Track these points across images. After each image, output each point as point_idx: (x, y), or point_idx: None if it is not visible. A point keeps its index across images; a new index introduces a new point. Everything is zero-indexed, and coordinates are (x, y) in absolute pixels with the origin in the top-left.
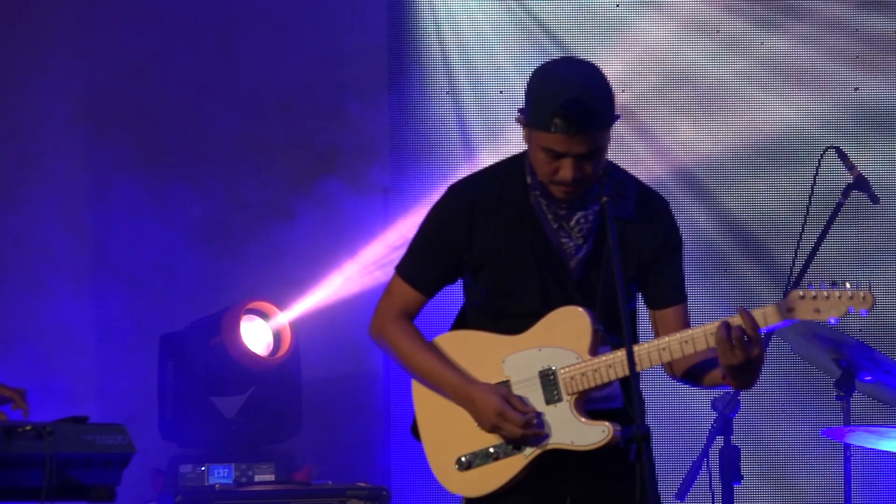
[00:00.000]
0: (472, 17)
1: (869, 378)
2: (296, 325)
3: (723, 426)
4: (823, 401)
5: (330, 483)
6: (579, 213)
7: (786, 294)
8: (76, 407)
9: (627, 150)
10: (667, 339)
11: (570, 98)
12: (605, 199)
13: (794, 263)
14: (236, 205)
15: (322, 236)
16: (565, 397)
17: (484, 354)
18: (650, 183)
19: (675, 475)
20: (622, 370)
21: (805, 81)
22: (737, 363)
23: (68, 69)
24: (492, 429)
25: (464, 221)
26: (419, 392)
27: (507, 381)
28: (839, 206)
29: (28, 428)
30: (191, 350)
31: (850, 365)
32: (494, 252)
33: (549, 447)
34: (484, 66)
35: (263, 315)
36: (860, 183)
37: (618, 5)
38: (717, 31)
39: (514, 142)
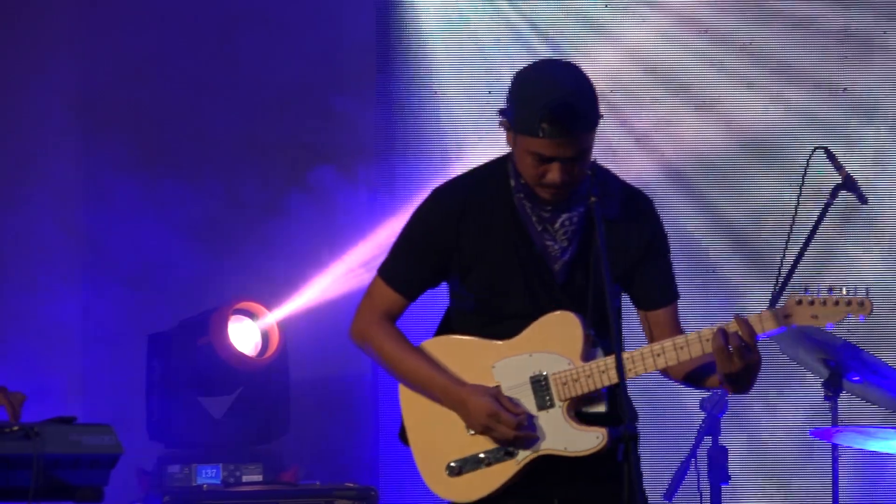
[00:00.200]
0: (461, 17)
1: (857, 378)
2: (284, 326)
3: (711, 426)
4: (811, 401)
5: (318, 483)
6: (564, 216)
7: (774, 295)
8: (66, 406)
9: (615, 149)
10: (660, 344)
11: (556, 102)
12: (592, 199)
13: (782, 263)
14: (227, 204)
15: (310, 236)
16: (557, 403)
17: (473, 360)
18: (638, 182)
19: (663, 475)
20: (616, 375)
21: (793, 81)
22: (735, 371)
23: (66, 69)
24: (483, 430)
25: (452, 223)
26: (406, 397)
27: (497, 387)
28: (827, 206)
29: (15, 428)
30: (178, 350)
31: (838, 365)
32: (481, 255)
33: (541, 453)
34: (473, 66)
35: (251, 315)
36: (848, 183)
37: (606, 5)
38: (706, 31)
39: (503, 141)
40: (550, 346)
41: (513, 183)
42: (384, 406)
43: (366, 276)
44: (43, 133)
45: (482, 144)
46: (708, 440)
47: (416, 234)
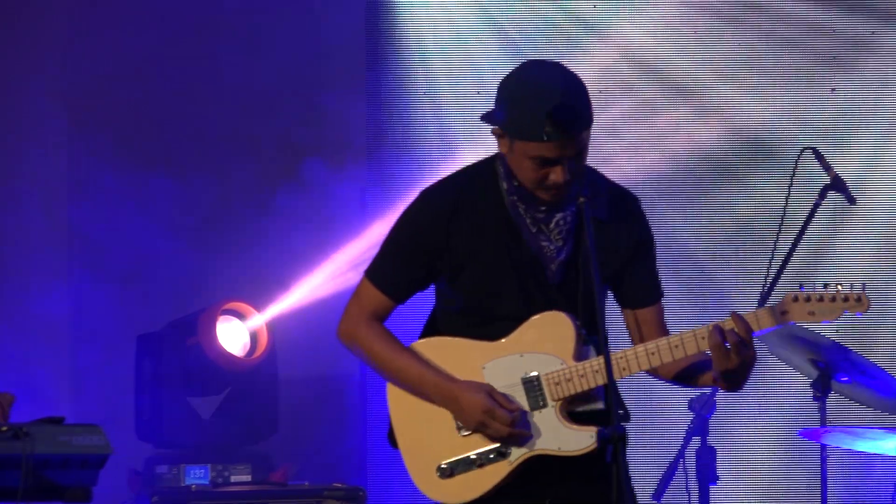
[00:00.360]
0: (449, 15)
1: (846, 379)
2: (272, 326)
3: (699, 427)
4: (800, 402)
5: (306, 483)
6: (558, 215)
7: (762, 296)
8: (53, 405)
9: (603, 151)
10: (654, 343)
11: (557, 105)
12: (581, 199)
13: (770, 264)
14: (216, 203)
15: (299, 235)
16: (550, 403)
17: (463, 361)
18: (627, 181)
19: (652, 476)
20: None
21: (782, 82)
22: (732, 367)
23: (57, 66)
24: (477, 428)
25: (441, 223)
26: (395, 398)
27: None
28: (816, 206)
29: (4, 429)
30: (167, 350)
31: (827, 366)
32: (472, 256)
33: (535, 453)
34: (461, 64)
35: (240, 316)
36: (837, 184)
37: (595, 5)
38: (694, 32)
39: (491, 141)
40: (542, 347)
41: (505, 185)
42: (372, 406)
43: (354, 276)
44: (32, 130)
45: (471, 143)
46: (696, 440)
47: (405, 234)
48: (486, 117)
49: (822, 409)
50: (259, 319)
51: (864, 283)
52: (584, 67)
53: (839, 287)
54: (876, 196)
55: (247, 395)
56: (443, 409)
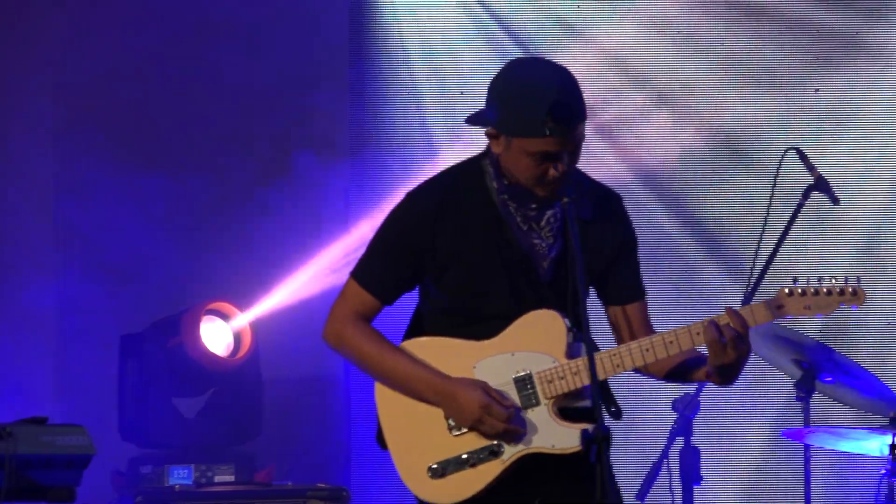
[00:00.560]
0: (433, 18)
1: (829, 379)
2: (256, 326)
3: (683, 427)
4: (783, 402)
5: (290, 484)
6: (549, 212)
7: (746, 296)
8: (37, 404)
9: (588, 151)
10: (649, 339)
11: (556, 100)
12: (565, 199)
13: (754, 264)
14: (202, 203)
15: (282, 237)
16: (543, 401)
17: (453, 361)
18: (611, 182)
19: (636, 476)
20: (603, 371)
21: (766, 82)
22: (728, 362)
23: (44, 62)
24: (473, 424)
25: (427, 224)
26: (383, 399)
27: (485, 382)
28: (799, 206)
29: None
30: (151, 351)
31: (811, 366)
32: (460, 255)
33: (528, 451)
34: (445, 67)
35: (223, 316)
36: (820, 184)
37: (579, 7)
38: (678, 33)
39: (475, 141)
40: (533, 345)
41: (495, 185)
42: (356, 407)
43: (337, 277)
44: (21, 127)
45: (454, 142)
46: (680, 441)
47: (391, 235)
48: (476, 119)
49: (806, 410)
50: (242, 319)
51: (858, 277)
52: (569, 67)
53: (833, 280)
54: (860, 196)
55: (230, 395)
56: (433, 408)
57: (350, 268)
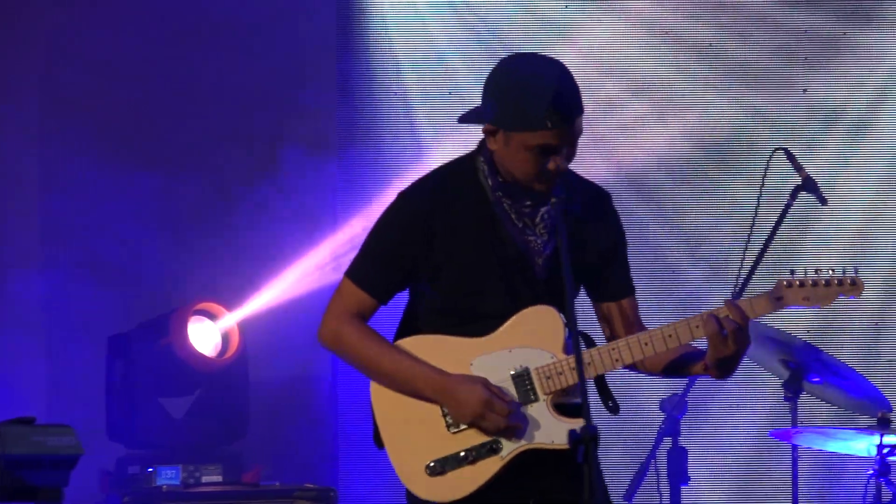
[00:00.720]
0: (420, 17)
1: (817, 379)
2: (244, 327)
3: (670, 428)
4: (771, 402)
5: (278, 484)
6: (542, 209)
7: (734, 296)
8: (24, 404)
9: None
10: (647, 334)
11: (556, 93)
12: (553, 199)
13: (742, 264)
14: (187, 203)
15: (270, 238)
16: (542, 397)
17: (450, 358)
18: (599, 181)
19: (624, 476)
20: (602, 366)
21: (753, 83)
22: (729, 354)
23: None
24: (474, 420)
25: (421, 223)
26: (379, 398)
27: (485, 378)
28: (787, 207)
29: None
30: (139, 351)
31: (799, 366)
32: (454, 255)
33: (527, 447)
34: (433, 67)
35: (211, 316)
36: (808, 184)
37: (566, 7)
38: (666, 33)
39: (463, 140)
40: (530, 341)
41: (490, 182)
42: (344, 407)
43: (325, 277)
44: (8, 125)
45: (444, 142)
46: (668, 441)
47: (385, 235)
48: (471, 117)
49: (794, 410)
50: (230, 320)
51: (855, 267)
52: None
53: (832, 271)
54: (847, 196)
55: (218, 395)
56: (430, 406)
57: (338, 268)
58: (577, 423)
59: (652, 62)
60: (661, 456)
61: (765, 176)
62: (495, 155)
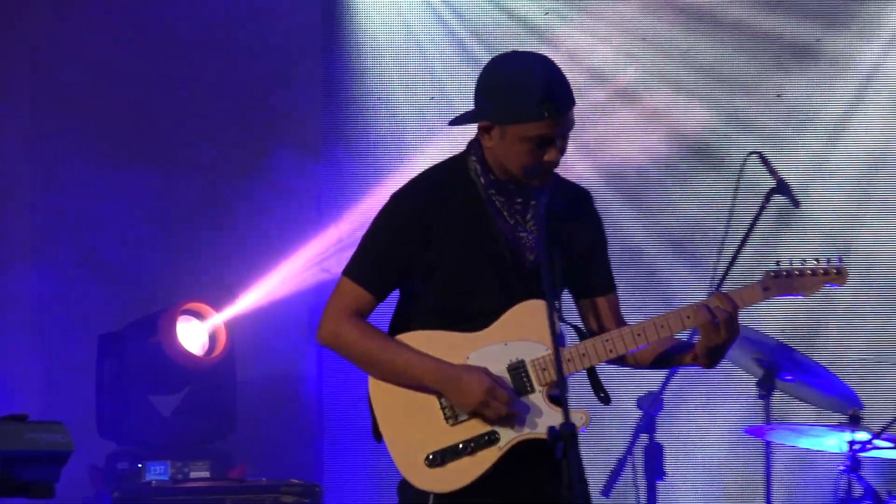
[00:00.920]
0: (404, 24)
1: (790, 378)
2: (231, 326)
3: (647, 424)
4: (745, 400)
5: (264, 480)
6: (533, 206)
7: (713, 290)
8: (13, 402)
9: None
10: (640, 325)
11: (550, 84)
12: (532, 202)
13: (717, 265)
14: (176, 203)
15: (257, 239)
16: (537, 388)
17: (446, 352)
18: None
19: (601, 472)
20: (596, 357)
21: (728, 87)
22: (720, 343)
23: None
24: (477, 408)
25: (415, 225)
26: (378, 392)
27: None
28: (761, 209)
29: None
30: (128, 349)
31: (772, 365)
32: (447, 254)
33: (525, 437)
34: (416, 72)
35: (199, 316)
36: (782, 187)
37: (546, 13)
38: (644, 39)
39: (444, 145)
40: (525, 334)
41: (482, 180)
42: (329, 405)
43: (310, 278)
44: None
45: (426, 145)
46: (644, 437)
47: (380, 236)
48: (463, 118)
49: (767, 407)
50: (218, 319)
51: (839, 256)
52: None
53: (816, 261)
54: (820, 199)
55: (206, 393)
56: (428, 399)
57: (321, 269)
58: (578, 413)
59: (630, 67)
60: (638, 452)
61: (740, 179)
62: (490, 152)
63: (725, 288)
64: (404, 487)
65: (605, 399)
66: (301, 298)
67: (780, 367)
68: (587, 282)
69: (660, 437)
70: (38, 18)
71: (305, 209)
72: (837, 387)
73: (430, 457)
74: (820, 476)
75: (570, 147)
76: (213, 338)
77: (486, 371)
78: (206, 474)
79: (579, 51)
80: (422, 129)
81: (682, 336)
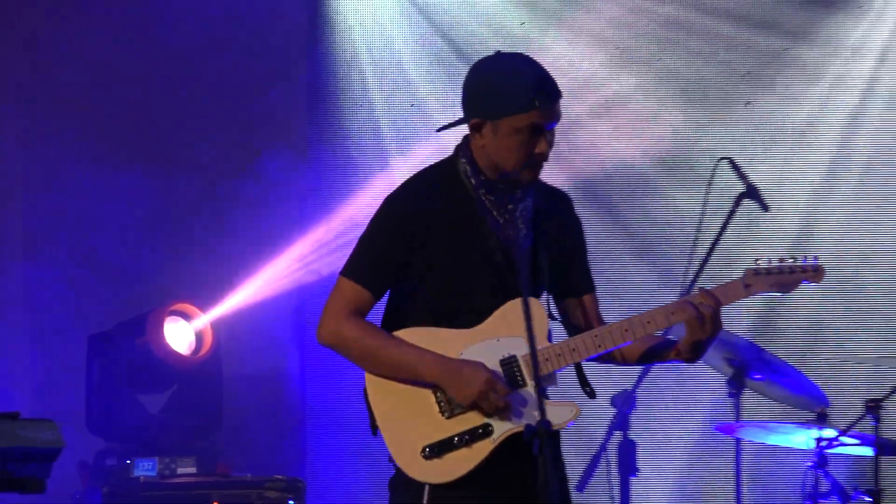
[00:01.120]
0: (386, 36)
1: (759, 377)
2: (217, 326)
3: (620, 422)
4: (716, 398)
5: (249, 476)
6: (521, 205)
7: (685, 291)
8: (7, 401)
9: None
10: (628, 321)
11: (539, 75)
12: (509, 206)
13: (689, 266)
14: (163, 204)
15: (242, 243)
16: (529, 382)
17: (441, 348)
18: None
19: (576, 468)
20: (585, 352)
21: (699, 96)
22: (705, 337)
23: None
24: (477, 399)
25: (408, 229)
26: (375, 388)
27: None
28: (731, 213)
29: None
30: (117, 349)
31: (742, 364)
32: (441, 256)
33: (517, 430)
34: (396, 81)
35: (186, 316)
36: (751, 192)
37: (522, 23)
38: (617, 48)
39: (424, 151)
40: (516, 330)
41: (472, 181)
42: (312, 403)
43: (294, 280)
44: None
45: (405, 154)
46: (618, 435)
47: (374, 240)
48: (452, 123)
49: (737, 405)
50: (204, 320)
51: (815, 256)
52: None
53: (794, 259)
54: (788, 203)
55: (192, 391)
56: (424, 394)
57: (303, 271)
58: (568, 405)
59: (604, 76)
60: (612, 449)
61: (710, 183)
62: (481, 151)
63: (696, 291)
64: (397, 483)
65: (591, 393)
66: (285, 299)
67: (750, 366)
68: (570, 281)
69: (633, 434)
70: (38, 18)
71: (291, 211)
72: (805, 385)
73: (427, 449)
74: (788, 472)
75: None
76: (199, 338)
77: (483, 365)
78: (193, 470)
79: (554, 61)
80: (401, 135)
81: (672, 335)
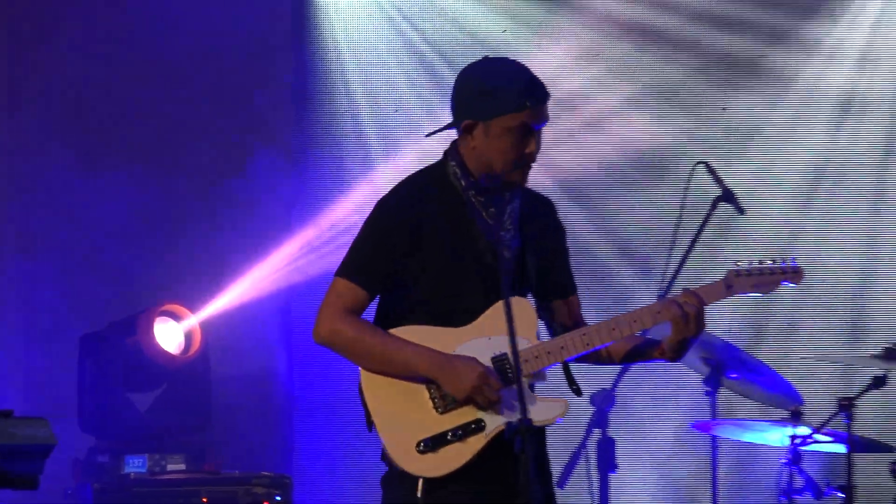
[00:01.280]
0: (370, 43)
1: (735, 376)
2: (205, 327)
3: (600, 420)
4: (692, 396)
5: (237, 472)
6: (509, 207)
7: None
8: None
9: None
10: (614, 319)
11: (528, 77)
12: (492, 209)
13: (666, 269)
14: (153, 205)
15: (230, 244)
16: (522, 378)
17: (434, 346)
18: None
19: (556, 464)
20: (574, 349)
21: (677, 102)
22: (689, 336)
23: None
24: (471, 393)
25: (400, 232)
26: (370, 384)
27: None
28: (708, 215)
29: None
30: (108, 349)
31: (718, 363)
32: (433, 259)
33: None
34: (381, 87)
35: (175, 317)
36: (727, 195)
37: (504, 31)
38: (597, 56)
39: (408, 155)
40: (506, 330)
41: (463, 183)
42: (298, 401)
43: (281, 281)
44: None
45: (389, 158)
46: (597, 432)
47: (367, 244)
48: (442, 128)
49: (713, 404)
50: (193, 320)
51: (793, 257)
52: None
53: (773, 261)
54: (764, 206)
55: (182, 390)
56: (418, 390)
57: (290, 272)
58: (558, 402)
59: (584, 82)
60: (591, 446)
61: (687, 187)
62: (472, 153)
63: (675, 290)
64: (390, 479)
65: (578, 391)
66: (272, 300)
67: (726, 365)
68: (553, 283)
69: (612, 431)
70: (37, 19)
71: (276, 216)
72: (780, 384)
73: (422, 444)
74: (763, 469)
75: None
76: (188, 337)
77: (477, 360)
78: (182, 467)
79: (535, 67)
80: (385, 139)
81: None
